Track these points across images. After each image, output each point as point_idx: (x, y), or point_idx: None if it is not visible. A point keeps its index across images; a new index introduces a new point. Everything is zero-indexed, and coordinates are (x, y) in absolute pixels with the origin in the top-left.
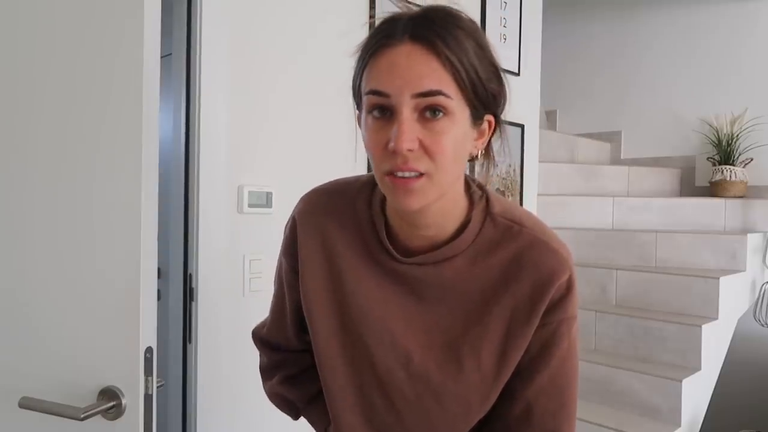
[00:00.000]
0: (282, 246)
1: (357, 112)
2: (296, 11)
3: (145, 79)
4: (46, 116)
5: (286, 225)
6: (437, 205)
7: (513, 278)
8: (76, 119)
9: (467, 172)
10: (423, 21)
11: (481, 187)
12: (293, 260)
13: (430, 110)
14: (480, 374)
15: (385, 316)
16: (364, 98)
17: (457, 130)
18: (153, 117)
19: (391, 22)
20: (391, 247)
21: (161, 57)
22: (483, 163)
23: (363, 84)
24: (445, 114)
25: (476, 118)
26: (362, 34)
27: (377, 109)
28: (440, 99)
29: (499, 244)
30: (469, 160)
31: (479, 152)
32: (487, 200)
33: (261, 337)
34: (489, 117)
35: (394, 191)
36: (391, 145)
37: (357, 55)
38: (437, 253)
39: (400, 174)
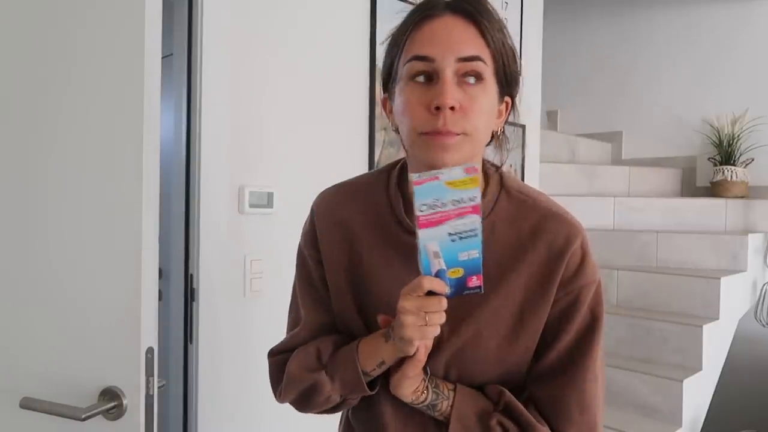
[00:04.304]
0: (304, 240)
1: (383, 95)
2: (297, 12)
3: (146, 80)
4: (46, 117)
5: (306, 221)
6: None
7: (530, 248)
8: (76, 120)
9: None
10: None
11: (494, 165)
12: (318, 253)
13: (468, 76)
14: (497, 341)
15: None
16: (405, 67)
17: (488, 98)
18: (154, 117)
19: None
20: (409, 221)
21: (162, 57)
22: (498, 144)
23: (402, 56)
24: (481, 80)
25: (501, 96)
26: (363, 34)
27: (421, 75)
28: (479, 64)
29: (515, 217)
30: (489, 140)
31: (498, 131)
32: (501, 176)
33: (279, 349)
34: (507, 99)
35: (430, 147)
36: (436, 101)
37: (391, 36)
38: None
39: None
